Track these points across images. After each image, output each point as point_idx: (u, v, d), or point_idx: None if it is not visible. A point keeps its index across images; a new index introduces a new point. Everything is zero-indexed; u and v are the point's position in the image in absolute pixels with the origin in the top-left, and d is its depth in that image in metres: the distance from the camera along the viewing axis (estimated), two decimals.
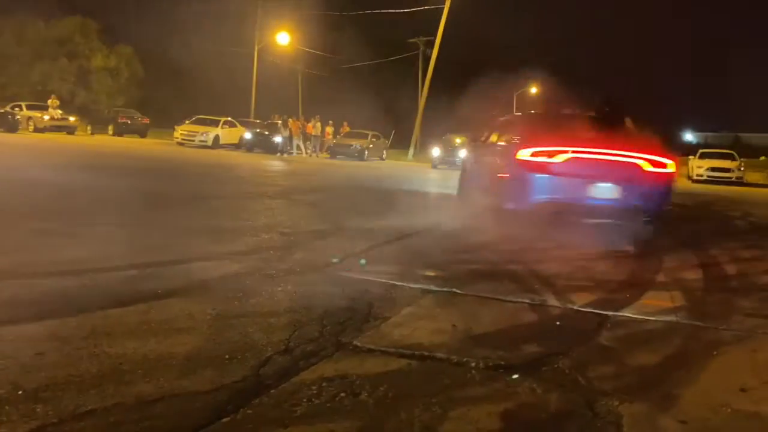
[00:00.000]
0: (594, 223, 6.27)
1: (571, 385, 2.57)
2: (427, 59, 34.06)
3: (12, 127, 25.43)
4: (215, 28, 39.78)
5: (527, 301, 3.89)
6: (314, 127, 28.57)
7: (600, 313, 3.72)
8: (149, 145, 25.95)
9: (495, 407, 2.31)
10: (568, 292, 4.17)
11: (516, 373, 2.65)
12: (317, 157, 27.40)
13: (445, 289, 4.02)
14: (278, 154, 25.64)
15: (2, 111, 26.03)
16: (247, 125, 28.98)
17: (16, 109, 27.78)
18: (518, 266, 5.05)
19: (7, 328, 2.70)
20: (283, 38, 38.43)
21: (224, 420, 2.03)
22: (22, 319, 2.84)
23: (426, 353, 2.81)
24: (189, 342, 2.72)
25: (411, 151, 32.10)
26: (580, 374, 2.69)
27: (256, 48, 38.14)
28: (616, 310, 3.80)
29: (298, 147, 27.70)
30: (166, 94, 38.69)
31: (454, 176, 18.17)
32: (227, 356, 2.57)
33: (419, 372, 2.62)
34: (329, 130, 29.39)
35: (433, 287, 4.07)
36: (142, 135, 32.11)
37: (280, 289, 3.78)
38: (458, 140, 25.14)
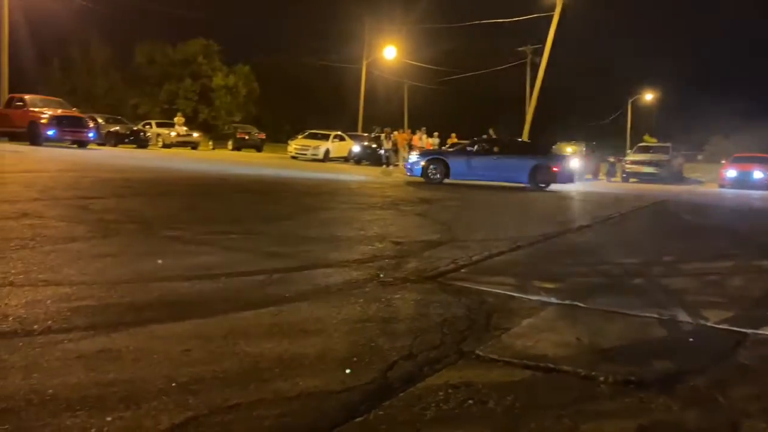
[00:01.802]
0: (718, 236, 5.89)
1: (711, 405, 2.44)
2: (535, 67, 33.40)
3: (143, 143, 27.59)
4: (325, 46, 41.19)
5: (655, 315, 3.72)
6: (420, 139, 28.80)
7: (738, 331, 3.48)
8: (266, 159, 27.26)
9: (629, 423, 2.23)
10: (699, 308, 3.94)
11: (648, 390, 2.55)
12: None
13: (566, 302, 3.93)
14: (384, 166, 26.05)
15: (135, 128, 28.32)
16: (355, 138, 29.73)
17: (147, 126, 30.14)
18: (642, 279, 4.84)
19: (156, 326, 2.95)
20: (389, 53, 39.17)
21: (357, 420, 2.10)
22: (169, 318, 3.09)
23: (551, 365, 2.76)
24: (318, 344, 2.84)
25: None
26: (719, 393, 2.54)
27: (364, 63, 39.08)
28: (757, 328, 3.54)
29: (405, 159, 28.01)
30: (279, 109, 40.46)
31: (566, 188, 17.67)
32: (355, 359, 2.67)
33: (545, 384, 2.58)
34: (432, 141, 29.49)
35: (553, 299, 3.99)
36: (259, 149, 33.79)
37: (398, 296, 3.86)
38: (569, 149, 24.41)
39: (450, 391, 2.40)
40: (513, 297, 3.98)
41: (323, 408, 2.17)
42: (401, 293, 3.92)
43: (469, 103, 44.85)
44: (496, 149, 17.09)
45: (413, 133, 29.85)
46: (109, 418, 1.97)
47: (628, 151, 31.18)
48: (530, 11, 30.97)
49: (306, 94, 46.71)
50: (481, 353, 2.87)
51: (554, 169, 16.36)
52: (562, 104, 39.59)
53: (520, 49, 38.95)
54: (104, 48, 39.96)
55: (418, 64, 40.98)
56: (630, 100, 46.70)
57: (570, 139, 27.16)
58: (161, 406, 2.09)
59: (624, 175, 25.52)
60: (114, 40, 40.04)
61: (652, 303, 4.03)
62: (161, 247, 5.00)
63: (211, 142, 33.75)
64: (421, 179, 16.28)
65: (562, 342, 3.13)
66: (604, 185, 22.48)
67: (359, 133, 33.50)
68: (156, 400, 2.13)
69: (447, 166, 16.21)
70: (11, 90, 26.21)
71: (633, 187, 22.22)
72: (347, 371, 2.52)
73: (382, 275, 4.39)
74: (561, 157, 18.46)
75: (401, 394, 2.34)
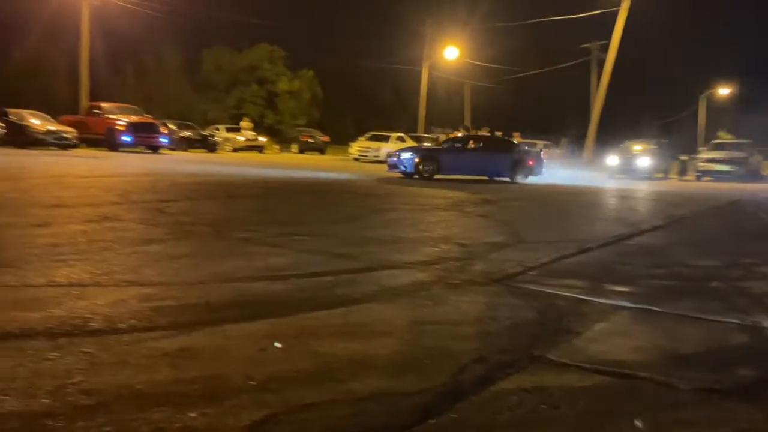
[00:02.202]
0: None
1: None
2: (601, 64, 32.49)
3: (212, 147, 28.49)
4: (386, 48, 41.37)
5: (736, 321, 3.56)
6: None
7: None
8: (329, 162, 27.66)
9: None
10: None
11: (730, 398, 2.45)
12: None
13: (639, 306, 3.82)
14: None
15: (205, 133, 29.29)
16: (416, 140, 29.75)
17: (216, 131, 31.12)
18: (721, 282, 4.65)
19: (232, 325, 3.06)
20: (450, 53, 38.97)
21: (431, 421, 2.12)
22: (243, 318, 3.19)
23: (627, 371, 2.69)
24: (389, 345, 2.88)
25: (585, 160, 30.76)
26: None
27: (424, 64, 39.05)
28: None
29: None
30: (341, 112, 40.99)
31: (636, 187, 17.15)
32: (426, 361, 2.69)
33: (621, 390, 2.53)
34: None
35: (625, 303, 3.88)
36: (322, 152, 34.33)
37: (466, 299, 3.85)
38: (638, 147, 23.63)
39: (523, 395, 2.38)
40: (584, 300, 3.91)
41: (396, 409, 2.20)
42: (469, 296, 3.91)
43: (532, 102, 44.08)
44: (481, 145, 17.98)
45: (475, 132, 29.58)
46: (193, 414, 2.06)
47: (701, 148, 29.87)
48: (595, 7, 30.18)
49: (368, 97, 47.09)
50: (552, 357, 2.83)
51: (530, 163, 18.02)
52: (630, 101, 38.38)
53: (585, 45, 38.00)
54: (175, 56, 41.52)
55: (480, 63, 40.60)
56: (702, 96, 44.79)
57: (639, 136, 26.25)
58: (241, 403, 2.17)
59: (697, 174, 24.48)
60: (184, 47, 41.55)
61: (732, 307, 3.87)
62: (233, 248, 5.17)
63: (276, 146, 34.53)
64: (404, 175, 16.76)
65: (637, 347, 3.05)
66: (676, 184, 21.64)
67: (420, 133, 33.50)
68: (236, 398, 2.21)
69: (438, 162, 16.74)
70: (90, 98, 27.60)
71: (707, 185, 21.28)
72: (419, 373, 2.54)
73: (448, 277, 4.39)
74: (535, 153, 20.00)
75: (473, 397, 2.34)
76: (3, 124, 20.22)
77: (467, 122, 33.04)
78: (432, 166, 16.58)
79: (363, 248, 5.42)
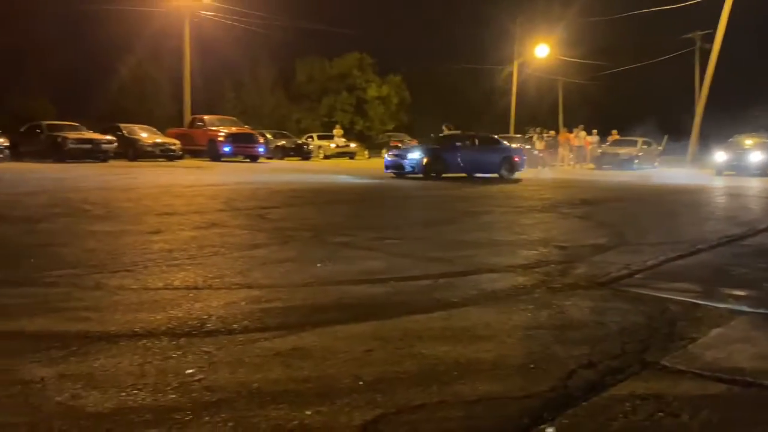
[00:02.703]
0: None
1: None
2: (704, 55, 30.66)
3: (306, 155, 29.34)
4: (474, 49, 41.04)
5: None
6: (576, 137, 27.69)
7: None
8: None
9: None
10: None
11: None
12: (580, 168, 26.45)
13: (760, 311, 3.58)
14: (538, 167, 25.36)
15: (299, 142, 30.22)
16: (508, 141, 29.29)
17: (309, 139, 32.03)
18: None
19: (339, 327, 3.14)
20: (541, 51, 38.11)
21: (542, 427, 2.09)
22: (348, 319, 3.27)
23: (749, 379, 2.53)
24: (492, 349, 2.86)
25: (689, 157, 29.12)
26: None
27: (515, 63, 38.41)
28: None
29: (561, 159, 27.07)
30: (430, 116, 41.01)
31: (747, 184, 16.01)
32: (532, 365, 2.65)
33: (745, 399, 2.38)
34: (591, 139, 28.18)
35: (744, 308, 3.65)
36: None
37: (569, 303, 3.76)
38: (749, 142, 22.09)
39: (637, 402, 2.29)
40: (698, 305, 3.70)
41: (505, 413, 2.18)
42: (572, 300, 3.81)
43: (630, 98, 42.24)
44: (476, 143, 18.14)
45: (569, 131, 28.76)
46: (308, 412, 2.14)
47: None
48: None
49: (457, 99, 46.85)
50: (667, 364, 2.71)
51: (515, 159, 18.31)
52: (736, 93, 35.93)
53: (686, 36, 36.06)
54: (270, 68, 43.11)
55: (573, 59, 39.41)
56: None
57: (748, 131, 24.50)
58: (352, 402, 2.23)
59: None
60: (278, 59, 43.05)
61: None
62: (333, 252, 5.30)
63: (366, 152, 35.05)
64: (396, 176, 16.70)
65: (760, 354, 2.86)
66: None
67: (511, 134, 32.93)
68: (347, 397, 2.28)
69: (444, 161, 16.64)
70: (192, 111, 29.18)
71: None
72: (525, 378, 2.51)
73: (550, 281, 4.29)
74: (519, 150, 20.00)
75: (584, 404, 2.28)
76: (115, 138, 21.73)
77: (559, 122, 32.14)
78: (441, 165, 16.50)
79: (459, 252, 5.41)
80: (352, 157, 31.97)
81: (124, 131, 23.18)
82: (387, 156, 18.36)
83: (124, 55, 35.51)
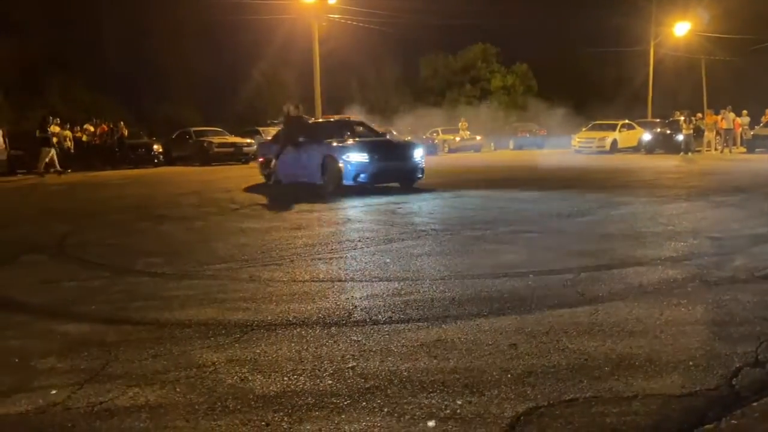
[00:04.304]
0: None
1: None
2: None
3: (433, 150, 29.47)
4: (607, 31, 39.07)
5: None
6: (725, 119, 25.46)
7: None
8: (547, 156, 26.93)
9: None
10: None
11: None
12: (730, 152, 24.32)
13: None
14: (682, 153, 23.65)
15: (425, 137, 30.43)
16: (645, 126, 27.59)
17: (434, 134, 32.16)
18: None
19: (480, 319, 3.16)
20: (681, 29, 35.44)
21: (707, 426, 1.99)
22: (490, 313, 3.28)
23: None
24: (645, 345, 2.74)
25: None
26: None
27: (652, 44, 36.07)
28: None
29: (708, 143, 25.05)
30: (559, 104, 39.60)
31: None
32: (691, 363, 2.51)
33: None
34: (741, 120, 25.78)
35: None
36: (540, 146, 33.52)
37: (727, 297, 3.50)
38: None
39: None
40: None
41: (665, 411, 2.10)
42: (731, 293, 3.55)
43: None
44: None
45: (716, 113, 26.53)
46: (459, 402, 2.19)
47: None
48: None
49: (588, 85, 44.85)
50: None
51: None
52: None
53: None
54: (394, 66, 43.72)
55: (717, 35, 36.25)
56: None
57: None
58: (502, 394, 2.25)
59: None
60: (402, 57, 43.56)
61: None
62: (468, 246, 5.31)
63: (492, 144, 34.55)
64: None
65: None
66: None
67: (649, 119, 30.97)
68: (496, 389, 2.29)
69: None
70: (323, 112, 30.31)
71: None
72: (684, 375, 2.38)
73: (704, 274, 4.02)
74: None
75: (754, 404, 2.13)
76: (253, 141, 22.83)
77: (684, 106, 29.54)
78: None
79: (600, 244, 5.21)
80: (477, 150, 31.67)
81: (193, 136, 22.82)
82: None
83: (257, 61, 37.65)
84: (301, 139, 11.25)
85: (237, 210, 8.47)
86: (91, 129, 22.13)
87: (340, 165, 10.13)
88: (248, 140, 22.89)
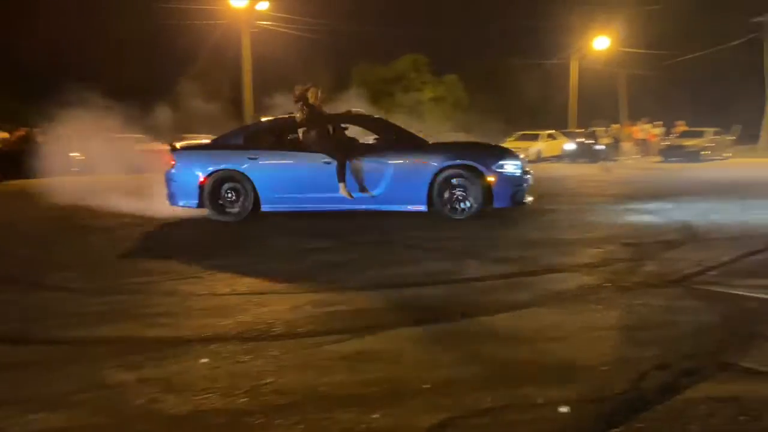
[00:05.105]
0: None
1: None
2: None
3: None
4: (532, 44, 40.33)
5: None
6: (641, 130, 26.80)
7: None
8: None
9: None
10: None
11: None
12: (645, 161, 25.59)
13: None
14: (601, 162, 24.69)
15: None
16: (568, 136, 28.66)
17: None
18: None
19: (403, 329, 3.16)
20: (601, 43, 37.13)
21: (615, 431, 2.04)
22: (411, 323, 3.28)
23: None
24: (561, 351, 2.81)
25: (761, 145, 27.74)
26: None
27: (573, 56, 37.57)
28: None
29: (625, 153, 26.24)
30: (488, 114, 40.60)
31: None
32: (603, 368, 2.58)
33: None
34: (656, 131, 27.20)
35: None
36: None
37: (639, 302, 3.64)
38: None
39: (714, 405, 2.21)
40: None
41: (576, 417, 2.14)
42: (643, 299, 3.70)
43: (697, 87, 40.55)
44: None
45: (633, 124, 27.88)
46: (376, 416, 2.17)
47: None
48: None
49: (515, 96, 46.16)
50: (745, 365, 2.60)
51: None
52: None
53: (755, 20, 34.31)
54: (326, 74, 43.64)
55: (634, 50, 38.17)
56: None
57: None
58: (419, 405, 2.24)
59: None
60: (335, 66, 43.56)
61: None
62: (393, 254, 5.33)
63: None
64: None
65: None
66: None
67: (572, 129, 32.19)
68: (414, 400, 2.29)
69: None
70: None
71: None
72: (596, 380, 2.45)
73: (618, 280, 4.18)
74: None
75: (659, 407, 2.21)
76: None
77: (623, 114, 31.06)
78: None
79: (521, 251, 5.32)
80: None
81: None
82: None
83: (187, 68, 36.77)
84: (371, 141, 8.14)
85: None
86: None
87: (490, 180, 7.29)
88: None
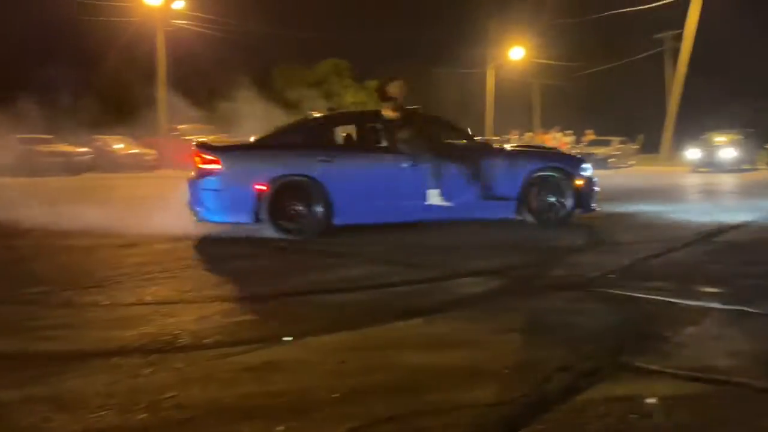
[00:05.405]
0: None
1: None
2: (676, 54, 31.14)
3: None
4: (452, 52, 41.11)
5: None
6: (553, 138, 27.91)
7: None
8: None
9: None
10: None
11: None
12: None
13: (732, 307, 3.61)
14: None
15: None
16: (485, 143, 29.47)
17: None
18: None
19: (312, 338, 3.11)
20: (516, 53, 38.46)
21: None
22: (323, 330, 3.23)
23: (722, 378, 2.55)
24: (469, 356, 2.85)
25: (662, 154, 29.55)
26: None
27: (489, 66, 38.71)
28: None
29: None
30: None
31: (720, 180, 16.25)
32: (507, 370, 2.64)
33: (719, 397, 2.40)
34: (566, 139, 28.43)
35: (716, 305, 3.69)
36: None
37: (545, 306, 3.77)
38: (721, 138, 22.49)
39: (611, 404, 2.29)
40: (672, 303, 3.73)
41: (481, 421, 2.17)
42: (547, 303, 3.82)
43: (605, 98, 42.73)
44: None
45: (545, 132, 29.00)
46: (281, 427, 2.11)
47: None
48: None
49: (435, 103, 46.92)
50: (641, 364, 2.72)
51: None
52: (712, 90, 36.50)
53: (657, 36, 36.60)
54: (247, 76, 42.82)
55: (547, 61, 39.81)
56: None
57: (724, 127, 24.85)
58: (326, 416, 2.21)
59: None
60: (254, 67, 42.79)
61: None
62: (309, 262, 5.27)
63: None
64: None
65: (733, 351, 2.89)
66: (766, 176, 20.41)
67: (487, 137, 33.12)
68: (320, 411, 2.25)
69: None
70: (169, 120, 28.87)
71: None
72: (501, 383, 2.50)
73: (524, 284, 4.31)
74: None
75: (559, 408, 2.28)
76: (91, 150, 21.56)
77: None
78: None
79: (433, 257, 5.40)
80: None
81: (98, 142, 23.00)
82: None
83: (99, 66, 35.08)
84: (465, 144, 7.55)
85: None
86: None
87: (579, 183, 7.12)
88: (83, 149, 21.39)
